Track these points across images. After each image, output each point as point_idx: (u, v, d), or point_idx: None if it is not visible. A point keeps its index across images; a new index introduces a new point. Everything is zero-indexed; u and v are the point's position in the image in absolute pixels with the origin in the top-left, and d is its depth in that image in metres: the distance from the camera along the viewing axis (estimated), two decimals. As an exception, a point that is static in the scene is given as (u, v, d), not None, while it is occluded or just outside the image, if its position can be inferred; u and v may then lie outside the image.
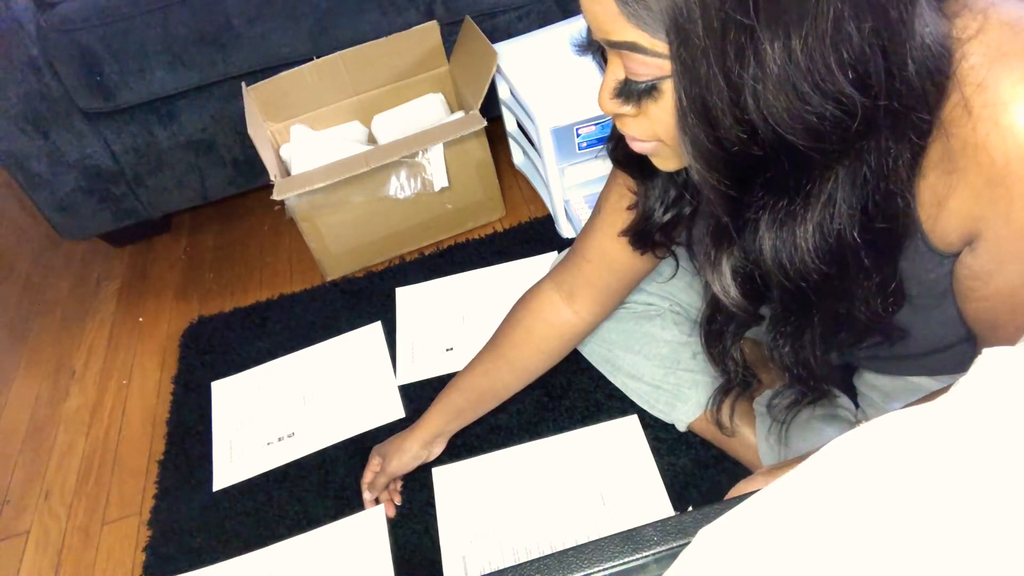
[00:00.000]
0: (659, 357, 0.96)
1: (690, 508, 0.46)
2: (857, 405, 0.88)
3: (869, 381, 0.85)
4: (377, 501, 1.00)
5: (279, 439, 1.14)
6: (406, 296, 1.32)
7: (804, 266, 0.51)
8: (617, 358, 0.99)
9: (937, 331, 0.62)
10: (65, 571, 1.08)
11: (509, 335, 0.91)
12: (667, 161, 0.57)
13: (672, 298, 0.98)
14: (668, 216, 0.68)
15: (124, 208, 1.44)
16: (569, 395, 1.08)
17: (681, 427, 0.96)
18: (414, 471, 1.02)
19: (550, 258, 1.29)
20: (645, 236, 0.71)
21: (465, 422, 0.99)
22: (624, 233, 0.74)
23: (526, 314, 0.89)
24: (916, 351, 0.67)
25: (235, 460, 1.13)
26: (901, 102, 0.45)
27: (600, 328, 0.99)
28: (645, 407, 1.00)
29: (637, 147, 0.56)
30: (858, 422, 0.87)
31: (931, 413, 0.34)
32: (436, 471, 1.02)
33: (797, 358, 0.59)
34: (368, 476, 1.00)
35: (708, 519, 0.36)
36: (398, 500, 1.01)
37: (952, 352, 0.66)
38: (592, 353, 1.03)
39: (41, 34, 1.22)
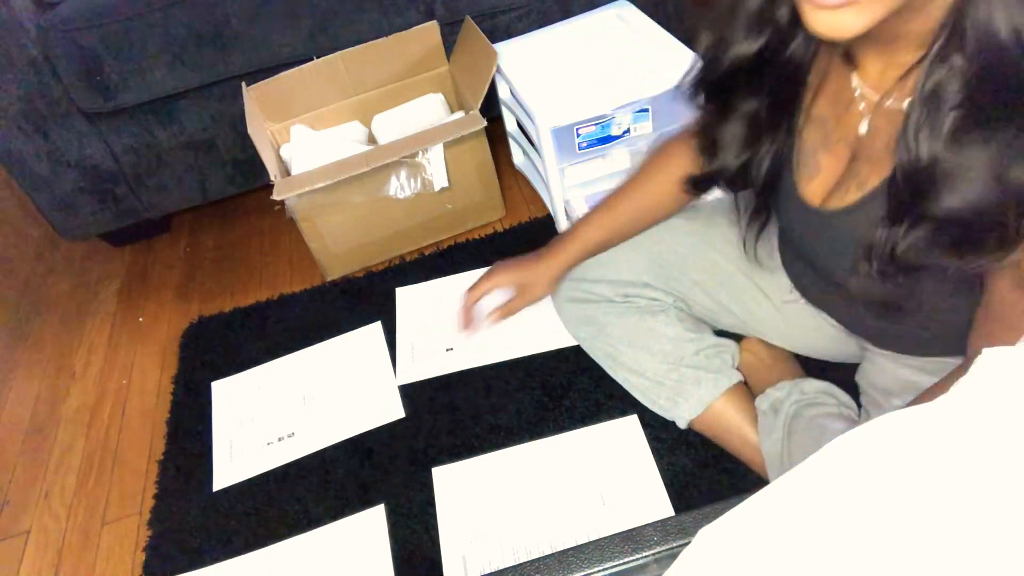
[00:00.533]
0: (662, 353, 0.95)
1: None
2: (859, 405, 0.88)
3: (870, 379, 0.86)
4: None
5: (279, 439, 1.14)
6: (406, 296, 1.32)
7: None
8: (619, 353, 0.99)
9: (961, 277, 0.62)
10: (65, 571, 1.08)
11: (650, 176, 0.96)
12: (867, 8, 0.50)
13: (676, 294, 0.98)
14: (740, 160, 0.73)
15: (124, 208, 1.44)
16: (569, 395, 1.07)
17: (682, 424, 0.96)
18: (414, 471, 1.03)
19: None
20: (708, 184, 0.82)
21: (588, 258, 1.03)
22: (689, 180, 0.84)
23: (665, 160, 0.95)
24: (931, 308, 0.69)
25: (235, 460, 1.13)
26: None
27: (603, 323, 1.00)
28: (646, 403, 0.99)
29: None
30: (860, 421, 0.87)
31: (931, 413, 0.34)
32: (436, 471, 1.02)
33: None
34: (485, 285, 1.05)
35: (708, 519, 0.36)
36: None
37: (955, 327, 0.68)
38: (594, 348, 1.03)
39: (41, 34, 1.22)
